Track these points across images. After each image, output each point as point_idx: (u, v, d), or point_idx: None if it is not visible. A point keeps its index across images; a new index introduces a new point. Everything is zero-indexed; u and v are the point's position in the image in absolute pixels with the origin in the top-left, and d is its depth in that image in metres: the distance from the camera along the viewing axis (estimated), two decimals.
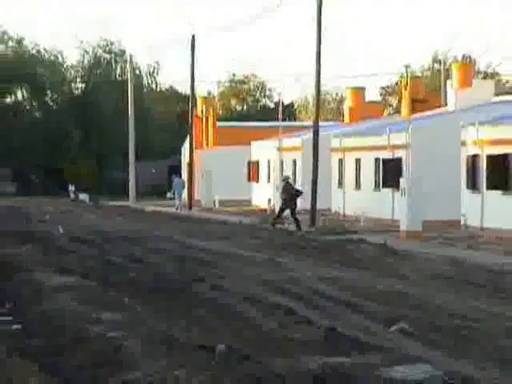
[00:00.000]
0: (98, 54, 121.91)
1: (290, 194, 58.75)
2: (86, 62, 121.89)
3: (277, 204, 70.33)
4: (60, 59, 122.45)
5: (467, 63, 73.35)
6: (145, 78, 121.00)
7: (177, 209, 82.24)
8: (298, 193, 59.66)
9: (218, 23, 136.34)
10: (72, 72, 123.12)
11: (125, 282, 28.70)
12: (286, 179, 60.42)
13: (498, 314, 23.18)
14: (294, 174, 75.78)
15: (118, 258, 36.71)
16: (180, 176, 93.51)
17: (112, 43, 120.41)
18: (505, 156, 50.50)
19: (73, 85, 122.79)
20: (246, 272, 32.05)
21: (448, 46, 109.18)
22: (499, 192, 50.83)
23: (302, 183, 70.22)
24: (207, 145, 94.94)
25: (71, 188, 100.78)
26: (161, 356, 17.63)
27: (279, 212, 59.75)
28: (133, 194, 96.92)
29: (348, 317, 22.42)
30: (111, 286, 28.01)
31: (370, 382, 15.23)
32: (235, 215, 70.37)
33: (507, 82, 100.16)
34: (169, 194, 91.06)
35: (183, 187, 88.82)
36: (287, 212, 57.88)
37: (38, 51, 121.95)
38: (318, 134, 61.02)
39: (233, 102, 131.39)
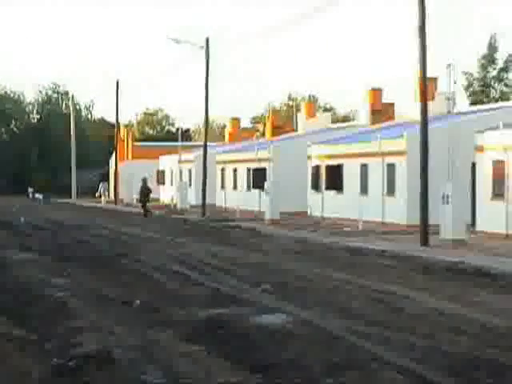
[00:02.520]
0: (49, 93, 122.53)
1: (144, 191, 60.51)
2: (40, 99, 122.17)
3: (178, 201, 70.38)
4: (21, 97, 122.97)
5: (312, 101, 73.76)
6: (83, 111, 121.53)
7: (102, 201, 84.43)
8: (149, 191, 61.13)
9: (139, 72, 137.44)
10: (30, 106, 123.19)
11: (71, 257, 28.58)
12: (144, 180, 61.61)
13: (331, 277, 23.40)
14: (190, 179, 75.84)
15: (67, 240, 36.50)
16: (105, 181, 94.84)
17: (59, 86, 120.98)
18: (338, 166, 51.00)
19: (31, 116, 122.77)
20: (155, 249, 32.04)
21: (299, 89, 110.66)
22: (334, 191, 51.31)
23: (195, 186, 70.41)
24: (127, 158, 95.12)
25: (30, 190, 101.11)
26: (96, 308, 17.80)
27: (143, 206, 60.29)
28: (74, 194, 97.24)
29: (228, 280, 22.47)
30: (61, 260, 27.89)
31: (242, 326, 15.49)
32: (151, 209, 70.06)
33: (339, 113, 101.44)
34: (97, 194, 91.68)
35: (107, 189, 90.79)
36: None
37: (5, 92, 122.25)
38: (206, 151, 61.05)
39: (146, 128, 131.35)
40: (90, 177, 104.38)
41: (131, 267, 25.88)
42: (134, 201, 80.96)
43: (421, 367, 12.07)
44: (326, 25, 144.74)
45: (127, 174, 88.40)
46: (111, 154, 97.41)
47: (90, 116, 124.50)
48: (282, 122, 75.52)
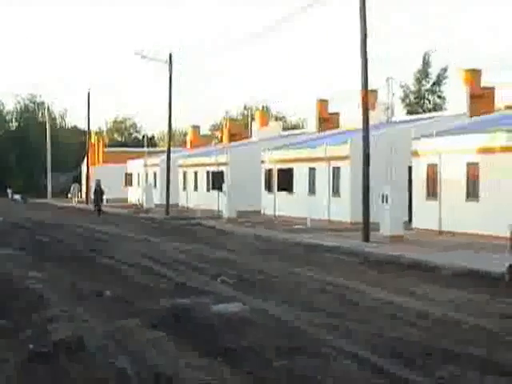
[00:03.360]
0: (26, 103, 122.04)
1: (97, 193, 61.21)
2: (18, 108, 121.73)
3: (144, 201, 70.26)
4: (1, 106, 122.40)
5: (265, 110, 73.92)
6: (58, 120, 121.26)
7: (73, 201, 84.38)
8: (102, 192, 61.81)
9: (110, 83, 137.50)
10: (9, 115, 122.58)
11: (48, 253, 28.37)
12: (97, 182, 62.70)
13: (285, 270, 23.41)
14: (155, 181, 75.77)
15: (44, 238, 36.25)
16: (77, 183, 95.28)
17: (35, 96, 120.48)
18: (288, 169, 51.06)
19: (10, 124, 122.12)
20: (128, 246, 31.87)
21: (254, 99, 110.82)
22: (285, 192, 51.37)
23: (160, 187, 70.40)
24: (98, 163, 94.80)
25: (9, 191, 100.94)
26: (70, 300, 17.65)
27: (97, 205, 60.79)
28: (49, 195, 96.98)
29: (190, 273, 22.43)
30: (39, 255, 27.68)
31: (204, 315, 15.41)
32: (119, 208, 69.90)
33: (290, 122, 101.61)
34: (69, 195, 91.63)
35: (78, 190, 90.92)
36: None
37: None
38: (169, 156, 60.99)
39: (115, 135, 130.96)
40: (66, 179, 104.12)
41: (103, 262, 25.72)
42: (105, 201, 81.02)
43: (362, 351, 12.06)
44: (281, 41, 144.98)
45: (98, 176, 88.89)
46: (83, 158, 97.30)
47: (63, 124, 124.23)
48: (238, 129, 75.49)
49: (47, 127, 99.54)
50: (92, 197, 69.43)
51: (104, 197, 62.84)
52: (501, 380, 10.40)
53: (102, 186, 62.43)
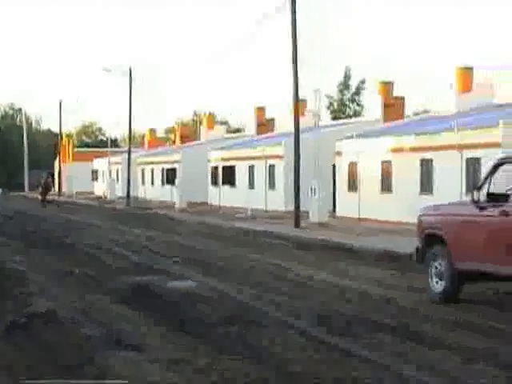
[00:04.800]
0: (6, 110, 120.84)
1: (44, 185, 60.31)
2: (0, 115, 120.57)
3: (108, 193, 69.88)
4: None
5: (211, 115, 73.69)
6: (34, 124, 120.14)
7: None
8: (49, 185, 62.36)
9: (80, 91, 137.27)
10: None
11: (33, 240, 28.02)
12: (46, 176, 62.86)
13: (229, 252, 23.44)
14: (117, 177, 75.27)
15: (22, 225, 35.89)
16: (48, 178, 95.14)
17: (14, 104, 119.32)
18: (231, 167, 51.10)
19: None
20: (95, 232, 31.69)
21: (203, 106, 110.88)
22: (228, 186, 51.40)
23: (122, 182, 69.99)
24: (68, 161, 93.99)
25: None
26: (46, 278, 17.55)
27: (43, 197, 59.83)
28: (27, 189, 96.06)
29: (149, 255, 22.33)
30: (24, 242, 27.27)
31: (160, 289, 15.42)
32: (87, 200, 69.37)
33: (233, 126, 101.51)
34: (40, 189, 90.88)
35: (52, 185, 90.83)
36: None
37: None
38: (130, 155, 60.78)
39: (83, 137, 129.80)
40: (42, 175, 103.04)
41: (77, 247, 25.50)
42: (74, 194, 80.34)
43: (296, 321, 12.14)
44: (226, 58, 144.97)
45: (68, 173, 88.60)
46: (55, 157, 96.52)
47: (39, 128, 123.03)
48: (188, 132, 75.26)
49: (24, 131, 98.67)
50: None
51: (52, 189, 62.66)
52: (408, 343, 10.55)
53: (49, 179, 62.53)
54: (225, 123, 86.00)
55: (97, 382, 8.35)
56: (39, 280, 17.10)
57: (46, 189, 60.51)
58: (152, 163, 68.09)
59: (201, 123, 77.55)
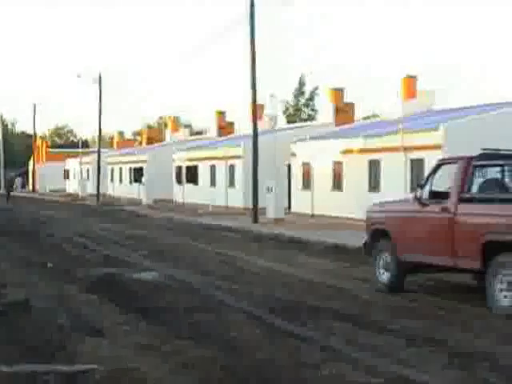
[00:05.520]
0: None
1: (9, 185, 63.62)
2: None
3: (79, 191, 69.38)
4: None
5: (176, 119, 73.40)
6: (9, 126, 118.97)
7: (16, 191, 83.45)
8: (13, 184, 65.45)
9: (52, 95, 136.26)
10: None
11: (6, 232, 27.77)
12: (10, 177, 65.76)
13: (192, 245, 23.44)
14: (88, 175, 74.91)
15: (3, 221, 35.65)
16: (22, 177, 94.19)
17: None
18: (194, 166, 51.00)
19: None
20: (66, 227, 31.47)
21: (168, 110, 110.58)
22: (192, 184, 51.31)
23: (92, 180, 69.66)
24: (42, 161, 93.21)
25: None
26: (20, 269, 17.38)
27: (7, 194, 61.05)
28: (2, 187, 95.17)
29: (116, 248, 22.27)
30: None
31: (126, 280, 15.35)
32: (59, 197, 68.86)
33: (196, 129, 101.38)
34: (14, 186, 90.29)
35: (25, 183, 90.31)
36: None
37: None
38: (100, 155, 60.48)
39: (56, 138, 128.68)
40: (12, 175, 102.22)
41: (46, 239, 25.34)
42: (48, 191, 79.86)
43: (256, 309, 12.16)
44: (190, 65, 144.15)
45: (42, 172, 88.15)
46: (30, 158, 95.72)
47: (14, 130, 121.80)
48: (154, 134, 74.97)
49: (0, 133, 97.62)
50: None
51: (14, 186, 64.24)
52: (355, 328, 10.62)
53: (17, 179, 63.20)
54: (188, 126, 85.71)
55: (68, 367, 8.29)
56: (14, 271, 16.91)
57: (11, 187, 61.89)
58: (120, 163, 67.81)
59: (166, 126, 77.28)
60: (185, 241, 25.01)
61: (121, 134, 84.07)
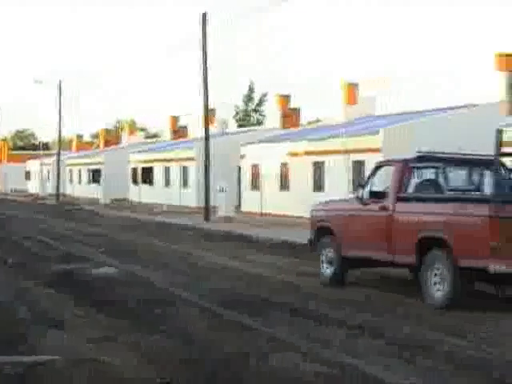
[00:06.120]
0: None
1: None
2: None
3: (40, 191, 68.60)
4: None
5: (132, 123, 73.14)
6: None
7: None
8: None
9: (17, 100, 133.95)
10: None
11: None
12: None
13: (147, 242, 23.31)
14: (48, 176, 74.15)
15: None
16: None
17: None
18: (149, 168, 50.77)
19: None
20: (27, 225, 31.12)
21: (124, 114, 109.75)
22: (147, 185, 51.08)
23: (52, 181, 68.87)
24: (4, 162, 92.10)
25: None
26: None
27: None
28: None
29: (77, 246, 21.99)
30: None
31: (85, 276, 15.24)
32: (21, 197, 68.06)
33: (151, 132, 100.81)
34: None
35: None
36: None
37: None
38: (59, 157, 59.96)
39: (18, 141, 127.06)
40: None
41: (7, 237, 25.00)
42: (12, 191, 78.90)
43: (205, 302, 12.17)
44: (144, 71, 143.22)
45: (4, 172, 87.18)
46: None
47: None
48: (111, 137, 74.41)
49: None
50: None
51: None
52: (300, 318, 10.70)
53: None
54: (144, 130, 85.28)
55: (28, 358, 8.23)
56: None
57: None
58: (79, 164, 67.30)
59: (122, 129, 76.81)
60: (141, 238, 24.89)
61: (79, 137, 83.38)
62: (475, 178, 13.63)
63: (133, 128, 71.34)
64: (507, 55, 29.89)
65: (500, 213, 10.95)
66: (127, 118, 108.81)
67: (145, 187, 51.62)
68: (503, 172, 12.89)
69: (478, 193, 13.28)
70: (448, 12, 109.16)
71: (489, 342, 9.37)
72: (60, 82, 58.60)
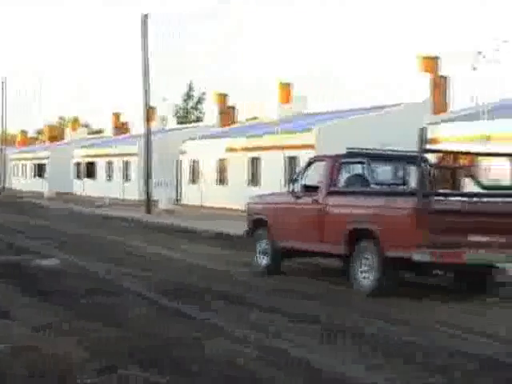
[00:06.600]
0: None
1: None
2: None
3: None
4: None
5: (76, 119, 72.10)
6: None
7: None
8: None
9: None
10: None
11: None
12: None
13: (90, 234, 23.04)
14: None
15: None
16: None
17: None
18: (92, 163, 50.31)
19: None
20: None
21: (68, 111, 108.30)
22: (90, 179, 50.61)
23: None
24: None
25: None
26: None
27: None
28: None
29: (21, 238, 21.46)
30: None
31: (29, 267, 14.97)
32: None
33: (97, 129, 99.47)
34: None
35: None
36: None
37: None
38: (3, 152, 58.98)
39: None
40: None
41: None
42: None
43: (146, 291, 12.11)
44: (89, 67, 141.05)
45: None
46: None
47: None
48: (56, 133, 73.32)
49: None
50: None
51: None
52: (236, 306, 10.74)
53: None
54: (87, 126, 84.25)
55: None
56: None
57: None
58: (24, 159, 66.32)
59: (67, 126, 75.78)
60: (84, 230, 24.59)
61: (24, 132, 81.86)
62: (401, 172, 13.87)
63: (76, 124, 70.32)
64: (429, 57, 30.44)
65: (423, 206, 11.16)
66: (71, 115, 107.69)
67: (88, 181, 51.12)
68: (426, 167, 13.14)
69: (403, 187, 13.51)
70: (376, 14, 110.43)
71: (412, 327, 9.55)
72: (5, 78, 57.68)
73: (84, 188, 51.54)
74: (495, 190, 12.94)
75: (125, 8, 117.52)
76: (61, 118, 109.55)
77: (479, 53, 24.47)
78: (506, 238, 11.56)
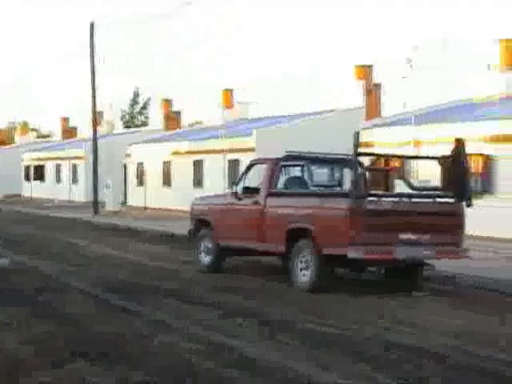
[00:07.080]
0: None
1: None
2: None
3: None
4: None
5: (25, 124, 70.99)
6: None
7: None
8: None
9: None
10: None
11: None
12: None
13: (37, 234, 22.65)
14: None
15: None
16: None
17: None
18: (41, 166, 49.54)
19: None
20: None
21: (18, 116, 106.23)
22: (39, 181, 49.82)
23: None
24: None
25: None
26: None
27: None
28: None
29: None
30: None
31: None
32: None
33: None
34: None
35: None
36: None
37: None
38: None
39: None
40: None
41: None
42: None
43: (92, 289, 11.98)
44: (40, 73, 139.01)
45: None
46: None
47: None
48: (4, 137, 71.92)
49: None
50: None
51: None
52: (178, 302, 10.70)
53: None
54: (36, 130, 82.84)
55: None
56: None
57: None
58: None
59: (15, 129, 74.40)
60: (32, 231, 24.19)
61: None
62: (336, 175, 14.00)
63: (25, 129, 69.13)
64: (363, 66, 30.80)
65: (357, 206, 11.29)
66: (20, 119, 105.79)
67: (37, 184, 50.33)
68: (360, 170, 13.30)
69: (338, 188, 13.65)
70: (314, 20, 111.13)
71: (348, 320, 9.65)
72: None
73: (33, 190, 50.69)
74: (424, 190, 13.17)
75: (75, 8, 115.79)
76: (9, 123, 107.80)
77: (409, 60, 24.79)
78: (434, 236, 11.78)
